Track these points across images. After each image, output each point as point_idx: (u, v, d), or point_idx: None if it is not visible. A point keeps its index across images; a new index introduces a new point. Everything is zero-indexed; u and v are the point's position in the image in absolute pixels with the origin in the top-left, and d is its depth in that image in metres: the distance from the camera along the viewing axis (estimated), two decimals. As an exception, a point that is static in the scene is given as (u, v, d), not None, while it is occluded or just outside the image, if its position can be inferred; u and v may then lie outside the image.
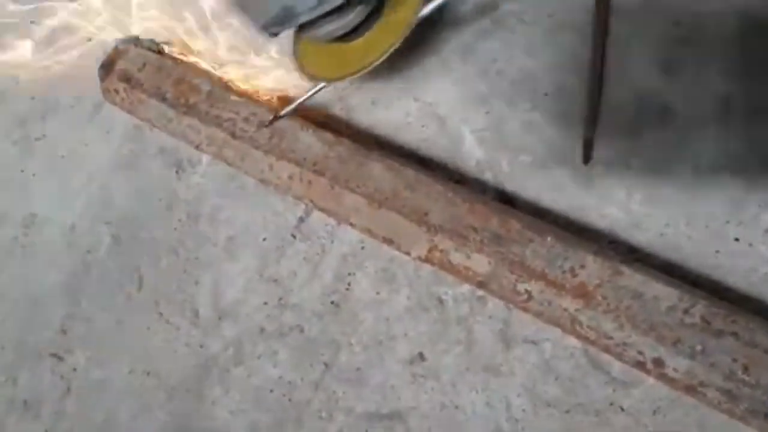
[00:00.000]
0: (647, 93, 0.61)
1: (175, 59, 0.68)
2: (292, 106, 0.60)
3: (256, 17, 0.54)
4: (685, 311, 0.47)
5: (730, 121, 0.58)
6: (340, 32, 0.55)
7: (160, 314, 0.65)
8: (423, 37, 0.67)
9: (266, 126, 0.61)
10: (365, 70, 0.55)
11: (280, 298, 0.62)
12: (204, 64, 0.68)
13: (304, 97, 0.59)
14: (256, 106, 0.63)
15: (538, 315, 0.51)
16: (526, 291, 0.51)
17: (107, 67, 0.70)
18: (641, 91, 0.61)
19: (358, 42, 0.57)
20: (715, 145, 0.58)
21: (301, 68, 0.60)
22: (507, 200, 0.59)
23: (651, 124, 0.60)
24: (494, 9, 0.66)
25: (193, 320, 0.64)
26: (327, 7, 0.52)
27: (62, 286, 0.69)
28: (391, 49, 0.55)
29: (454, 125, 0.63)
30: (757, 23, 0.60)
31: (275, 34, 0.56)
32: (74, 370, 0.66)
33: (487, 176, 0.61)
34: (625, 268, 0.49)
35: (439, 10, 0.55)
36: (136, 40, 0.71)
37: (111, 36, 0.72)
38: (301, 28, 0.56)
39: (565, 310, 0.50)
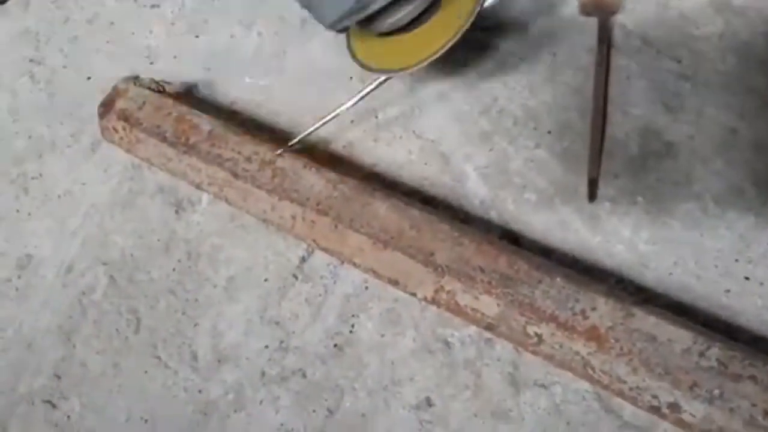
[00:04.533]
0: (651, 129, 0.60)
1: (175, 98, 0.68)
2: (310, 129, 0.60)
3: (324, 14, 0.53)
4: (701, 354, 0.46)
5: (736, 157, 0.58)
6: (404, 22, 0.55)
7: (158, 358, 0.63)
8: (424, 75, 0.67)
9: (280, 154, 0.61)
10: (424, 63, 0.55)
11: (282, 341, 0.60)
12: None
13: (322, 121, 0.60)
14: (258, 145, 0.62)
15: (549, 358, 0.50)
16: (536, 334, 0.50)
17: (107, 105, 0.69)
18: (644, 127, 0.61)
19: (414, 34, 0.56)
20: (721, 180, 0.58)
21: (359, 62, 0.59)
22: (513, 239, 0.59)
23: (655, 161, 0.59)
24: (496, 49, 0.66)
25: (192, 364, 0.62)
26: None
27: (57, 329, 0.67)
28: (451, 43, 0.54)
29: (457, 163, 0.62)
30: (757, 59, 0.61)
31: (344, 30, 0.55)
32: (68, 417, 0.64)
33: (492, 215, 0.60)
34: (637, 310, 0.48)
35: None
36: (136, 79, 0.70)
37: (111, 75, 0.72)
38: (362, 22, 0.56)
39: (577, 353, 0.48)
